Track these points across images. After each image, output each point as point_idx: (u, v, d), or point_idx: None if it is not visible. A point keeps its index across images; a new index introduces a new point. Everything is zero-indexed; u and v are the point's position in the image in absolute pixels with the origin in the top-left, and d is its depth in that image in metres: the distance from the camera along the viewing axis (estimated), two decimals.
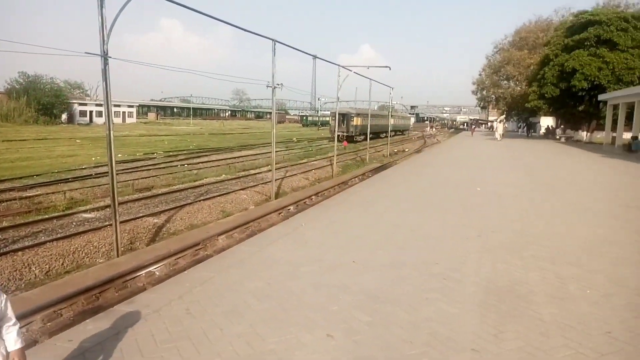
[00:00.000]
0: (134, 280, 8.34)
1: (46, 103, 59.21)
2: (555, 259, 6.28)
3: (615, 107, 38.88)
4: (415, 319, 4.19)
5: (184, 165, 23.91)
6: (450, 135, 62.24)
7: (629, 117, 36.83)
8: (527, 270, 5.75)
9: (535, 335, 3.96)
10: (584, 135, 50.76)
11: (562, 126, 55.02)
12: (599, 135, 47.38)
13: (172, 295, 4.65)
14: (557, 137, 50.96)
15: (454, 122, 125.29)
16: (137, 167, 22.04)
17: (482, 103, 74.48)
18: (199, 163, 24.94)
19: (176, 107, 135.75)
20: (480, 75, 69.84)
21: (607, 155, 28.82)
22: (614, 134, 39.30)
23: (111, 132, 9.50)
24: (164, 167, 22.60)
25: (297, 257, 6.12)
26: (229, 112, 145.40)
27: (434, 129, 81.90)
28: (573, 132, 53.49)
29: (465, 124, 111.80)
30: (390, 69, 27.91)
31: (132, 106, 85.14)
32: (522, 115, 66.48)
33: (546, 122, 59.07)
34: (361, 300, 4.65)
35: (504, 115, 41.27)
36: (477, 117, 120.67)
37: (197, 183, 18.47)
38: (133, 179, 18.24)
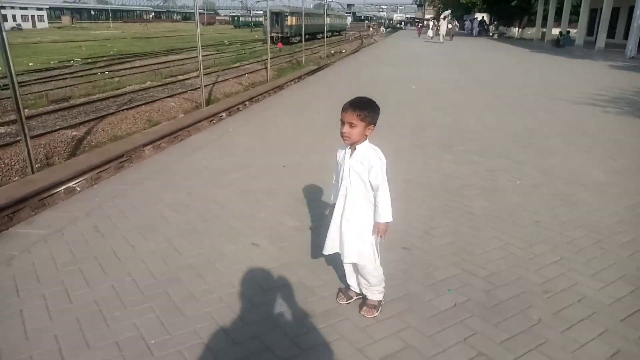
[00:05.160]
0: (52, 197, 7.68)
1: None
2: (486, 152, 6.25)
3: (546, 1, 39.08)
4: None
5: (104, 72, 21.98)
6: (387, 35, 60.99)
7: (559, 13, 37.26)
8: (459, 165, 5.68)
9: (466, 229, 3.88)
10: (515, 31, 51.28)
11: (495, 23, 55.03)
12: (530, 32, 48.07)
13: (78, 213, 4.15)
14: (491, 34, 51.13)
15: (391, 21, 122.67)
16: (51, 77, 20.08)
17: (418, 0, 72.86)
18: (120, 70, 23.02)
19: (93, 9, 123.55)
20: None
21: (537, 50, 29.33)
22: (544, 30, 39.94)
23: (3, 33, 8.21)
24: (81, 76, 20.70)
25: (222, 164, 5.69)
26: (153, 13, 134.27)
27: (371, 29, 79.81)
28: (505, 28, 53.83)
29: (402, 22, 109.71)
30: None
31: (41, 9, 76.36)
32: (457, 12, 65.69)
33: (479, 19, 58.67)
34: (290, 204, 4.38)
35: (449, 11, 39.11)
36: (414, 16, 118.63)
37: (119, 92, 17.08)
38: (47, 90, 16.59)
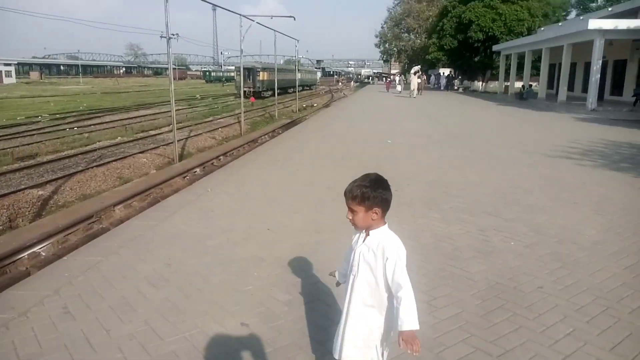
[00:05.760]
0: (15, 264, 7.14)
1: None
2: (473, 210, 6.14)
3: (508, 57, 41.09)
4: (339, 292, 3.71)
5: (73, 128, 21.54)
6: (355, 90, 62.67)
7: (520, 68, 39.14)
8: (448, 224, 5.53)
9: (469, 298, 3.66)
10: (479, 85, 53.45)
11: (459, 77, 57.33)
12: (493, 85, 50.23)
13: (45, 290, 3.75)
14: (456, 87, 53.14)
15: (359, 76, 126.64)
16: (17, 133, 19.52)
17: (384, 56, 75.59)
18: (90, 125, 22.63)
19: (63, 64, 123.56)
20: (382, 28, 70.56)
21: (502, 103, 30.45)
22: (507, 83, 41.76)
23: None
24: (49, 132, 20.21)
25: (202, 228, 5.38)
26: (124, 68, 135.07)
27: (340, 83, 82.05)
28: (470, 82, 56.11)
29: (370, 77, 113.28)
30: (294, 19, 26.92)
31: (9, 64, 75.84)
32: (422, 68, 68.34)
33: (446, 74, 61.08)
34: (278, 274, 4.09)
35: (419, 67, 39.98)
36: (381, 71, 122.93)
37: (88, 148, 16.65)
38: (13, 147, 16.06)
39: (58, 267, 4.40)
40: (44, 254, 7.56)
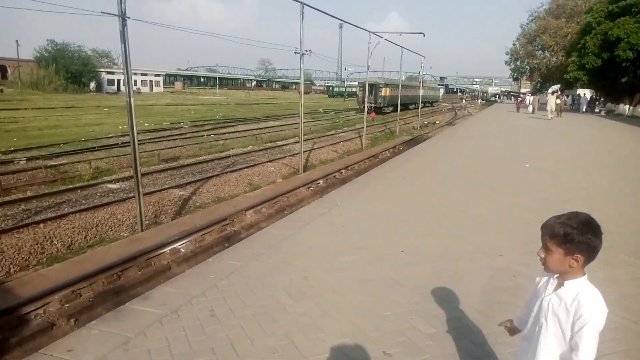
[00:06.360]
0: (158, 257, 7.80)
1: (74, 71, 59.31)
2: None
3: None
4: (488, 331, 3.38)
5: (210, 135, 23.32)
6: (481, 108, 59.97)
7: None
8: (611, 267, 4.85)
9: None
10: (625, 108, 48.09)
11: (601, 99, 52.14)
12: None
13: (193, 290, 3.93)
14: (597, 110, 48.36)
15: (485, 94, 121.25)
16: (163, 137, 21.63)
17: (515, 74, 71.49)
18: (225, 133, 24.31)
19: (202, 76, 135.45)
20: (514, 45, 66.85)
21: None
22: None
23: (131, 98, 8.86)
24: (190, 137, 22.08)
25: (335, 243, 5.33)
26: (255, 82, 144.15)
27: (464, 101, 79.36)
28: (614, 105, 50.71)
29: (497, 95, 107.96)
30: (424, 35, 26.49)
31: (159, 75, 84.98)
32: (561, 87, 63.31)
33: (587, 95, 56.00)
34: (418, 302, 3.86)
35: (559, 86, 35.95)
36: (509, 89, 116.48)
37: (223, 154, 17.87)
38: (159, 149, 17.78)
39: (203, 268, 4.61)
40: (183, 250, 8.14)
